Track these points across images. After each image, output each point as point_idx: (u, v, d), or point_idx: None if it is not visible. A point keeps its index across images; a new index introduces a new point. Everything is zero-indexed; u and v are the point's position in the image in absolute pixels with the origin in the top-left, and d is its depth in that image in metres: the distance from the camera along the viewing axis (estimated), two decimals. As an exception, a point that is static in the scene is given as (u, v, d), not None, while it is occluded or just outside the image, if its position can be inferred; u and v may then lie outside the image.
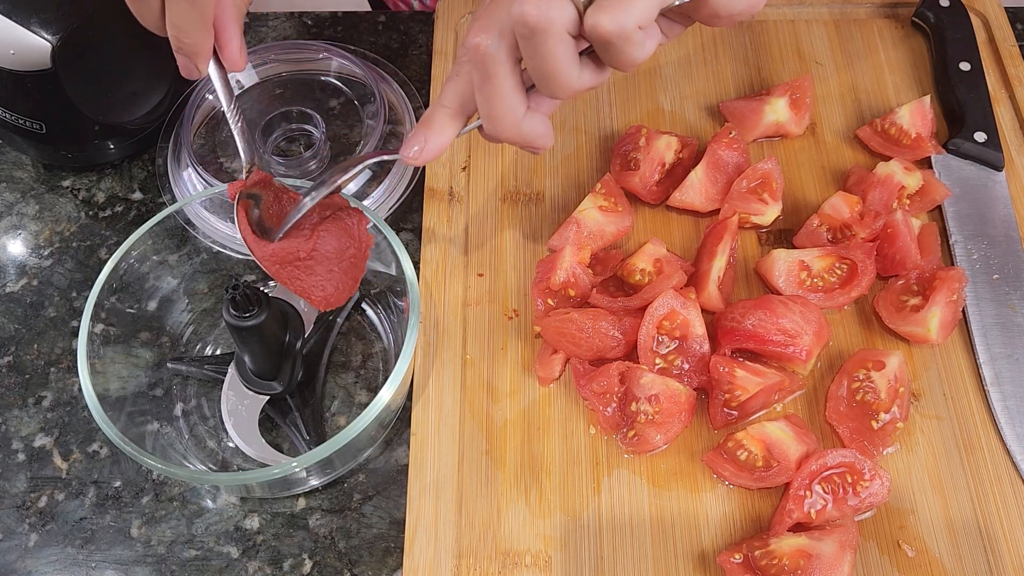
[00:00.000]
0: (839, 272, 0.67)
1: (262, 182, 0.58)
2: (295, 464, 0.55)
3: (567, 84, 0.45)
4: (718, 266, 0.66)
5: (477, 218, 0.73)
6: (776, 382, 0.61)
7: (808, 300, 0.65)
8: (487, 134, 0.50)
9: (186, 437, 0.65)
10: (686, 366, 0.63)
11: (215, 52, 0.57)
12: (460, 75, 0.50)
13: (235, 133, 0.59)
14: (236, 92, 0.80)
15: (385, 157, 0.55)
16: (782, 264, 0.67)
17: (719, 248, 0.67)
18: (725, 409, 0.62)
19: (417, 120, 0.78)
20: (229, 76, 0.59)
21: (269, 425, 0.66)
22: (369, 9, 1.03)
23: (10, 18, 0.66)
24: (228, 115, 0.58)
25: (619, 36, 0.42)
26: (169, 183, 0.76)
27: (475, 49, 0.45)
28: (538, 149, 0.51)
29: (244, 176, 0.58)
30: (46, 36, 0.66)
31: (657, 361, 0.63)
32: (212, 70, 0.57)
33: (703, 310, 0.65)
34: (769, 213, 0.70)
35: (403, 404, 0.65)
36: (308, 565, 0.61)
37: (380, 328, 0.70)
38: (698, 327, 0.63)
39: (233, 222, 0.71)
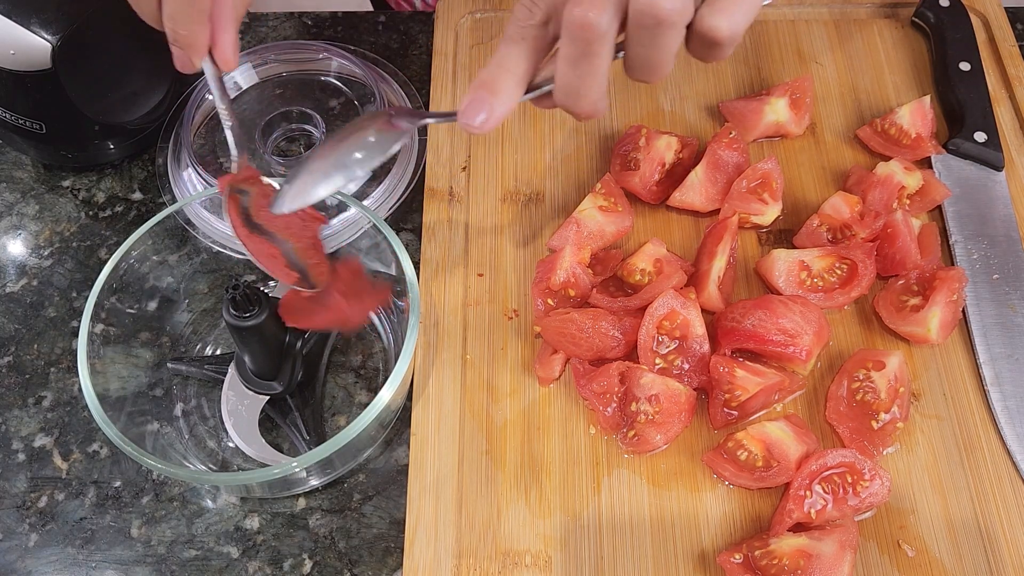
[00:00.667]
0: (839, 272, 0.67)
1: (251, 178, 0.58)
2: (295, 464, 0.55)
3: (665, 73, 0.45)
4: (718, 266, 0.66)
5: (477, 218, 0.73)
6: (776, 382, 0.61)
7: (808, 300, 0.65)
8: (558, 104, 0.47)
9: (186, 437, 0.65)
10: (686, 366, 0.63)
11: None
12: (527, 39, 0.46)
13: (226, 130, 0.59)
14: (233, 93, 0.80)
15: (440, 119, 0.52)
16: (782, 264, 0.67)
17: (719, 248, 0.67)
18: (725, 409, 0.62)
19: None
20: (225, 77, 0.57)
21: (269, 425, 0.66)
22: (370, 9, 1.03)
23: (10, 18, 0.66)
24: (220, 112, 0.58)
25: (730, 38, 0.43)
26: (169, 183, 0.76)
27: (587, 27, 0.43)
28: (590, 119, 0.49)
29: (234, 170, 0.58)
30: (46, 36, 0.66)
31: (657, 361, 0.63)
32: (207, 65, 0.57)
33: (703, 310, 0.65)
34: (769, 213, 0.70)
35: (403, 404, 0.65)
36: (308, 565, 0.61)
37: (380, 328, 0.70)
38: (698, 327, 0.63)
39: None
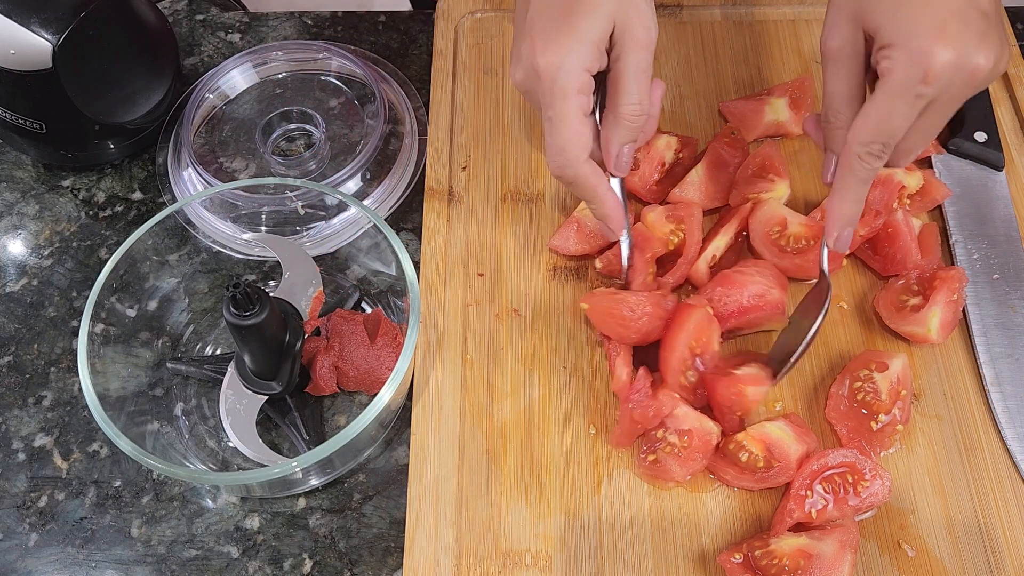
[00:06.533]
0: (803, 244, 0.68)
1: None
2: (295, 464, 0.55)
3: None
4: (716, 245, 0.67)
5: (477, 218, 0.73)
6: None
7: (761, 261, 0.67)
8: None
9: (186, 437, 0.65)
10: (693, 379, 0.63)
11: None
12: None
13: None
14: (233, 93, 0.80)
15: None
16: (768, 212, 0.68)
17: (722, 230, 0.68)
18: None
19: (417, 120, 0.78)
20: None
21: (269, 425, 0.66)
22: (370, 9, 1.02)
23: (10, 18, 0.66)
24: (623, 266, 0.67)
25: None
26: (169, 183, 0.76)
27: None
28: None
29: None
30: (46, 36, 0.66)
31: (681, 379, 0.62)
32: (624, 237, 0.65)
33: (691, 283, 0.67)
34: (779, 188, 0.70)
35: (403, 404, 0.65)
36: (308, 565, 0.61)
37: (380, 328, 0.70)
38: (715, 343, 0.63)
39: (233, 220, 0.71)
